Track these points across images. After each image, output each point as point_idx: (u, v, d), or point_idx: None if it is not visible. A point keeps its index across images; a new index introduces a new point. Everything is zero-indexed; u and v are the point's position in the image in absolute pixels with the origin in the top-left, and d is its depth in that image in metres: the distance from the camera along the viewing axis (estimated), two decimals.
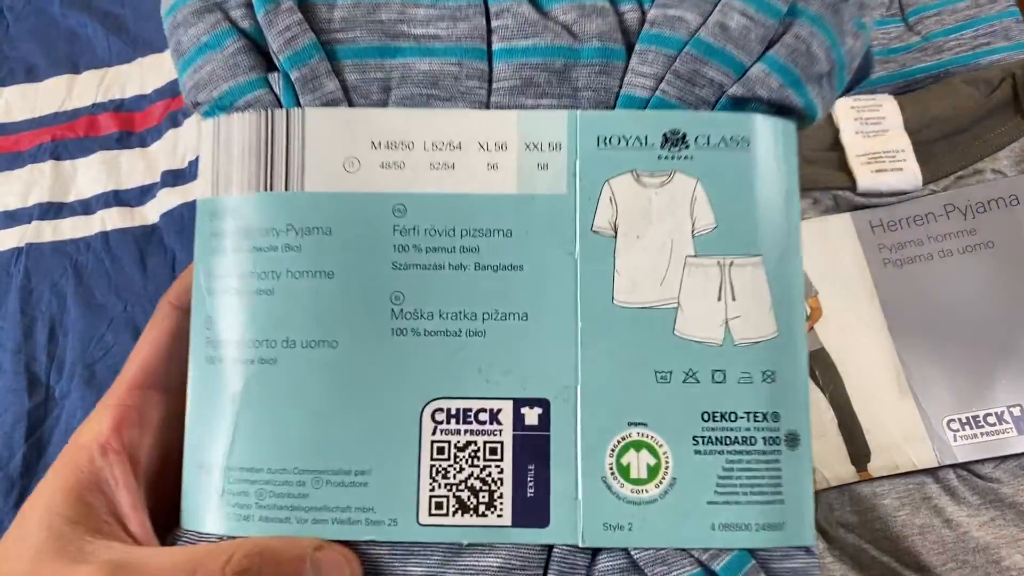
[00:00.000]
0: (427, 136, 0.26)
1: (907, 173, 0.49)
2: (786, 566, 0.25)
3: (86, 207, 0.63)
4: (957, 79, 0.52)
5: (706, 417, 0.25)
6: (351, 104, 0.26)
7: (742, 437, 0.25)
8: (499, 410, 0.25)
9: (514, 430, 0.25)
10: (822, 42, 0.26)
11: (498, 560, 0.24)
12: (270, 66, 0.26)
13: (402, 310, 0.25)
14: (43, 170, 0.64)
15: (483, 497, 0.25)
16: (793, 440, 0.25)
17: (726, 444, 0.25)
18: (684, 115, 0.26)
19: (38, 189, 0.63)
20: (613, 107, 0.26)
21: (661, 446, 0.25)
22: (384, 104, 0.26)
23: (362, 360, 0.25)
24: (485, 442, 0.25)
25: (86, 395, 0.56)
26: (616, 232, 0.25)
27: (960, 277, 0.47)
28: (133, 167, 0.64)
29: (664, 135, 0.25)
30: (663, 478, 0.25)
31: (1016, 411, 0.44)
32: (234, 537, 0.25)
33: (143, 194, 0.63)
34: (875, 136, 0.50)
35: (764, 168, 0.26)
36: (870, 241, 0.49)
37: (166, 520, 0.26)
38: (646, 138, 0.25)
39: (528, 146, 0.26)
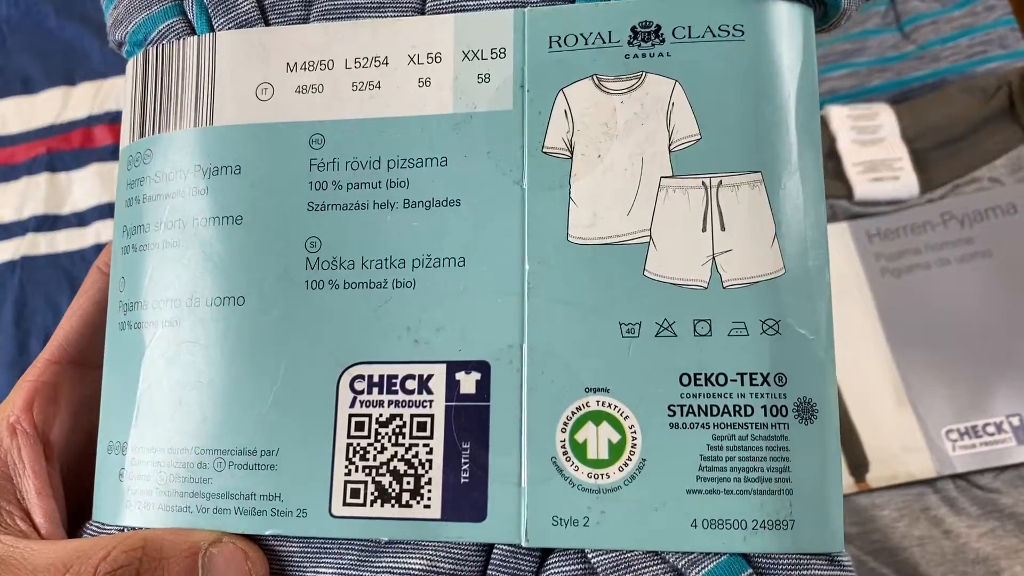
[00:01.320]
0: (349, 52, 0.22)
1: (904, 182, 0.49)
2: None
3: (81, 219, 0.63)
4: (953, 88, 0.52)
5: (685, 380, 0.20)
6: (268, 24, 0.23)
7: (734, 406, 0.19)
8: (429, 376, 0.21)
9: (447, 400, 0.20)
10: None
11: (423, 561, 0.20)
12: None
13: (318, 259, 0.21)
14: (38, 182, 0.64)
15: (408, 483, 0.20)
16: (807, 410, 0.20)
17: (712, 415, 0.20)
18: (658, 2, 0.21)
19: (33, 201, 0.63)
20: (573, 2, 0.22)
21: (627, 418, 0.20)
22: (305, 21, 0.23)
23: (271, 319, 0.21)
24: (412, 415, 0.20)
25: None
26: (572, 152, 0.21)
27: (958, 286, 0.47)
28: None
29: (633, 28, 0.21)
30: (629, 459, 0.20)
31: (1015, 420, 0.44)
32: (135, 529, 0.21)
33: None
34: (872, 145, 0.50)
35: (766, 63, 0.21)
36: (867, 250, 0.48)
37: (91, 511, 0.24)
38: (610, 34, 0.21)
39: (466, 55, 0.22)
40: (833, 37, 0.56)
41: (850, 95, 0.54)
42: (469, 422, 0.20)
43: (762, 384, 0.20)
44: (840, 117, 0.51)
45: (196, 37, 0.23)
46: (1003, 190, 0.48)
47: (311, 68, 0.22)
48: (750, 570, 0.19)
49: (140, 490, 0.21)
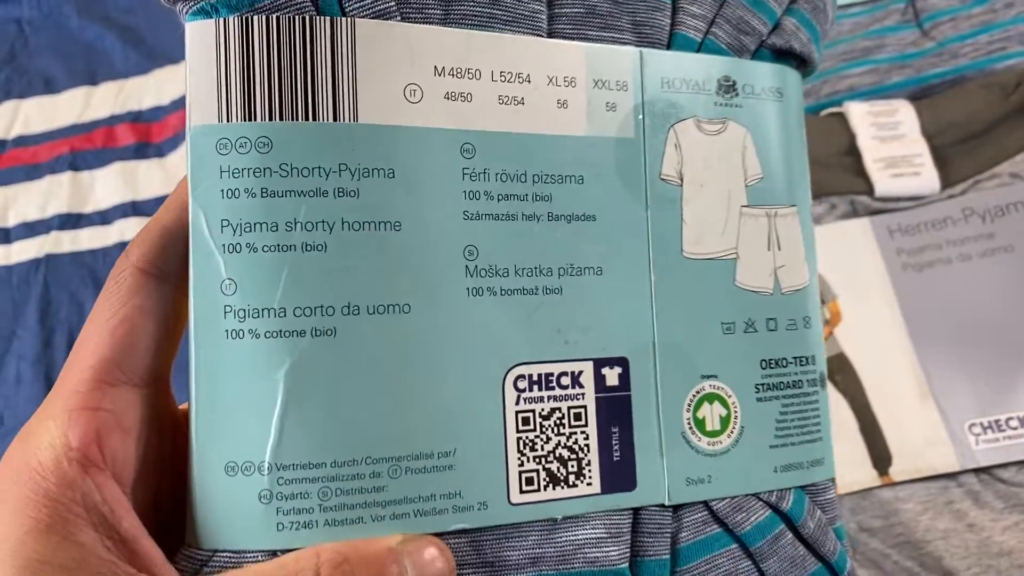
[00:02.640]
0: (494, 65, 0.23)
1: (925, 178, 0.49)
2: (826, 498, 0.25)
3: (104, 217, 0.63)
4: (973, 84, 0.52)
5: (764, 365, 0.25)
6: (404, 19, 0.22)
7: (792, 381, 0.25)
8: (580, 372, 0.23)
9: (596, 392, 0.23)
10: (831, 3, 0.27)
11: (595, 531, 0.23)
12: None
13: (476, 267, 0.22)
14: (61, 181, 0.64)
15: (572, 466, 0.23)
16: (823, 380, 0.26)
17: (780, 389, 0.25)
18: (735, 62, 0.25)
19: (56, 200, 0.64)
20: (667, 47, 0.25)
21: (730, 397, 0.24)
22: (443, 23, 0.22)
23: (437, 325, 0.22)
24: (569, 408, 0.23)
25: None
26: (682, 180, 0.24)
27: (980, 281, 0.47)
28: (150, 177, 0.64)
29: (718, 81, 0.25)
30: (733, 428, 0.24)
31: None
32: (290, 551, 0.20)
33: (160, 204, 0.63)
34: (892, 141, 0.50)
35: (792, 121, 0.26)
36: (888, 246, 0.49)
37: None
38: (704, 83, 0.25)
39: (596, 83, 0.24)
40: (852, 35, 0.56)
41: (870, 92, 0.54)
42: (616, 409, 0.23)
43: (806, 364, 0.25)
44: (860, 114, 0.51)
45: (327, 18, 0.21)
46: None
47: (459, 75, 0.22)
48: (807, 496, 0.25)
49: (298, 508, 0.21)
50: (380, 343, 0.21)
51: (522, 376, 0.23)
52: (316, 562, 0.19)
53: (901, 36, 0.55)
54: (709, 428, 0.24)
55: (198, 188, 0.21)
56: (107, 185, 0.64)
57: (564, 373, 0.23)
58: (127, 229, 0.62)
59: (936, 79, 0.53)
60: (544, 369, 0.23)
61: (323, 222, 0.21)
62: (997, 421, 0.44)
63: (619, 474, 0.23)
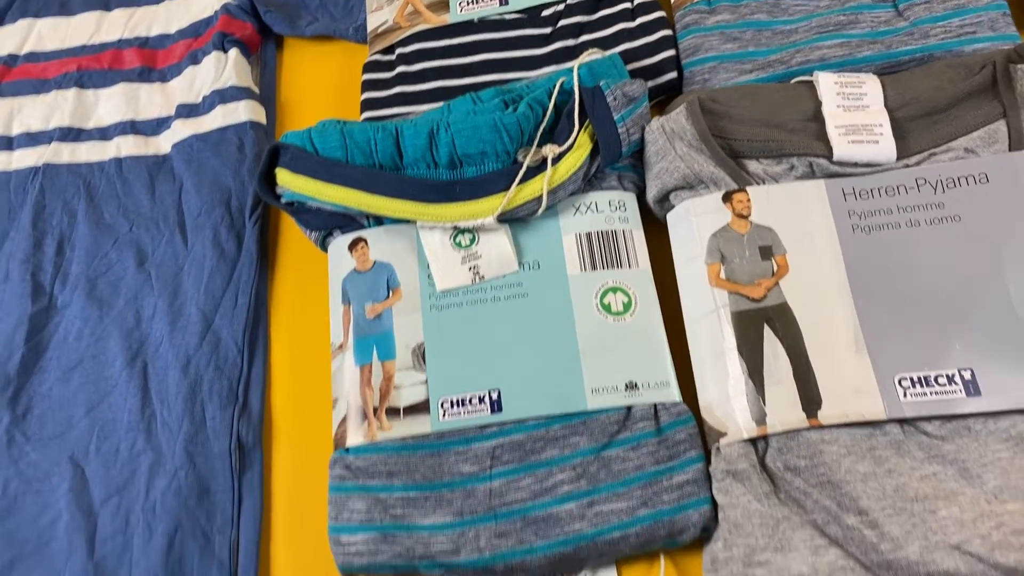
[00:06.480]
0: None
1: (883, 146, 0.51)
2: None
3: (104, 134, 0.66)
4: (939, 63, 0.54)
5: None
6: None
7: None
8: None
9: None
10: None
11: None
12: None
13: None
14: (66, 96, 0.67)
15: None
16: None
17: None
18: None
19: (60, 113, 0.66)
20: None
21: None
22: None
23: None
24: None
25: (86, 306, 0.59)
26: None
27: (925, 247, 0.49)
28: (151, 100, 0.67)
29: None
30: None
31: (967, 374, 0.46)
32: None
33: (159, 125, 0.66)
34: (855, 111, 0.52)
35: None
36: (841, 207, 0.50)
37: None
38: None
39: None
40: (829, 9, 0.58)
41: (840, 63, 0.56)
42: None
43: None
44: (828, 83, 0.53)
45: None
46: (978, 160, 0.50)
47: None
48: None
49: None
50: None
51: None
52: None
53: (876, 14, 0.57)
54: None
55: None
56: (110, 103, 0.67)
57: None
58: (124, 145, 0.65)
59: (905, 56, 0.55)
60: None
61: None
62: (926, 377, 0.46)
63: None
